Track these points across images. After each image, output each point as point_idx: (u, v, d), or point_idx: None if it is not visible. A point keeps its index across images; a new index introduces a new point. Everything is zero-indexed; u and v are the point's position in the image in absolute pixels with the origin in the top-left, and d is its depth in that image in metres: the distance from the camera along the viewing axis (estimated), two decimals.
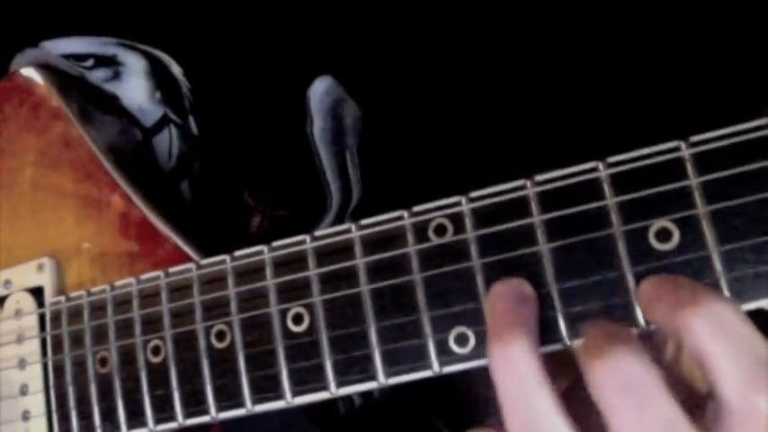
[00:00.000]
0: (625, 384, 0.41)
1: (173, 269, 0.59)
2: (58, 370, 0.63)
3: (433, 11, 0.73)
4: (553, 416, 0.43)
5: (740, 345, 0.41)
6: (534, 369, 0.44)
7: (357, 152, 0.76)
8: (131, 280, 0.60)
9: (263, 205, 0.74)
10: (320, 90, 0.75)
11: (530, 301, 0.46)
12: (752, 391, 0.40)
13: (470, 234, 0.49)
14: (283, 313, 0.54)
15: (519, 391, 0.44)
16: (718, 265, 0.43)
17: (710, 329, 0.41)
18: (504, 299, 0.46)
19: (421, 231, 0.50)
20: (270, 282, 0.54)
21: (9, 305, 0.67)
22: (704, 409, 0.42)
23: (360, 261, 0.52)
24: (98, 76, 0.75)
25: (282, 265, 0.54)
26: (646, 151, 0.45)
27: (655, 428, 0.41)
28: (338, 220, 0.76)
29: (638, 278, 0.45)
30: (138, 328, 0.59)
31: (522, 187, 0.48)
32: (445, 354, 0.49)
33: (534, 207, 0.47)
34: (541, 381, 0.44)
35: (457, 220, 0.49)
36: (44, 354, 0.64)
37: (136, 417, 0.59)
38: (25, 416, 0.64)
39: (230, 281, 0.56)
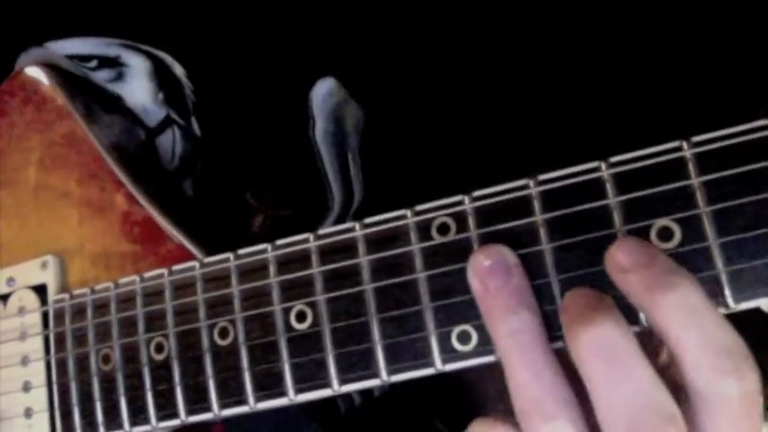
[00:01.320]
0: (605, 352, 0.42)
1: (176, 267, 0.59)
2: (61, 367, 0.63)
3: (435, 12, 0.73)
4: (562, 388, 0.44)
5: (710, 332, 0.42)
6: (542, 344, 0.45)
7: (359, 153, 0.76)
8: (135, 278, 0.60)
9: (265, 206, 0.74)
10: (322, 91, 0.75)
11: (518, 268, 0.47)
12: (721, 376, 0.41)
13: (473, 233, 0.49)
14: (286, 311, 0.54)
15: (526, 364, 0.44)
16: (719, 264, 0.44)
17: (681, 316, 0.42)
18: (496, 271, 0.47)
19: (424, 230, 0.50)
20: (273, 280, 0.55)
21: (12, 302, 0.67)
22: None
23: (363, 259, 0.52)
24: (102, 76, 0.75)
25: (286, 263, 0.54)
26: (648, 151, 0.45)
27: (635, 393, 0.42)
28: (340, 220, 0.76)
29: None
30: (141, 326, 0.59)
31: (525, 186, 0.48)
32: (447, 351, 0.49)
33: (537, 206, 0.48)
34: (549, 353, 0.45)
35: (460, 218, 0.50)
36: (47, 351, 0.64)
37: (138, 414, 0.59)
38: (28, 413, 0.64)
39: (233, 279, 0.56)
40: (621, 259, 0.44)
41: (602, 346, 0.42)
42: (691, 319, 0.42)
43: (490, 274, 0.46)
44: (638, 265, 0.43)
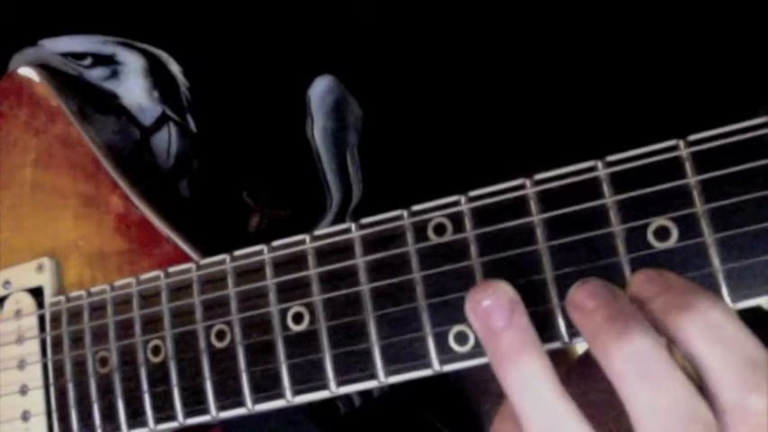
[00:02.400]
0: (641, 367, 0.42)
1: (172, 269, 0.59)
2: (58, 370, 0.63)
3: (434, 10, 0.73)
4: (576, 424, 0.43)
5: (733, 347, 0.41)
6: (552, 384, 0.44)
7: (358, 151, 0.76)
8: (131, 280, 0.60)
9: (261, 205, 0.74)
10: (321, 89, 0.75)
11: (519, 305, 0.46)
12: (746, 391, 0.41)
13: (470, 233, 0.49)
14: (283, 312, 0.54)
15: (539, 409, 0.43)
16: (716, 262, 0.43)
17: (703, 333, 0.41)
18: (497, 311, 0.45)
19: (420, 231, 0.50)
20: (270, 281, 0.54)
21: (9, 305, 0.67)
22: None
23: (359, 260, 0.52)
24: (96, 74, 0.75)
25: (282, 264, 0.54)
26: (644, 150, 0.45)
27: (673, 404, 0.41)
28: (338, 219, 0.76)
29: None
30: (138, 328, 0.59)
31: (522, 186, 0.48)
32: (445, 352, 0.49)
33: (533, 206, 0.47)
34: (561, 394, 0.43)
35: (456, 219, 0.49)
36: (44, 354, 0.64)
37: (136, 416, 0.59)
38: (25, 416, 0.64)
39: (230, 280, 0.56)
40: (638, 288, 0.44)
41: (637, 362, 0.42)
42: (713, 335, 0.41)
43: (494, 310, 0.45)
44: (656, 289, 0.43)
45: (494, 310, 0.45)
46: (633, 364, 0.42)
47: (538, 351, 0.44)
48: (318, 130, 0.75)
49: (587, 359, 0.48)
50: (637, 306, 0.44)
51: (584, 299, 0.44)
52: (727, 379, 0.41)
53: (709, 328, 0.41)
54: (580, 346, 0.47)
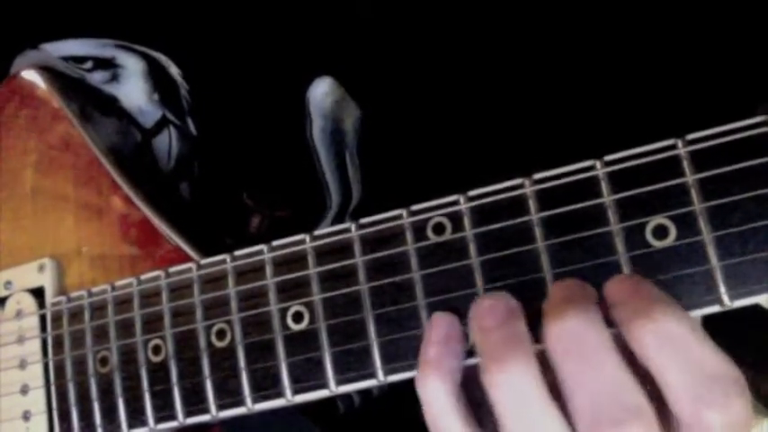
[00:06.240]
0: (572, 344, 0.43)
1: (173, 269, 0.59)
2: (59, 370, 0.63)
3: (432, 11, 0.73)
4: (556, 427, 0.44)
5: (691, 361, 0.42)
6: (538, 391, 0.44)
7: (357, 153, 0.76)
8: (132, 280, 0.60)
9: (261, 206, 0.74)
10: (320, 91, 0.75)
11: (518, 313, 0.46)
12: (701, 407, 0.41)
13: (469, 232, 0.49)
14: (283, 312, 0.54)
15: (523, 412, 0.44)
16: (714, 261, 0.44)
17: (661, 346, 0.42)
18: (492, 312, 0.46)
19: (420, 230, 0.51)
20: (270, 281, 0.55)
21: (10, 306, 0.67)
22: None
23: (359, 260, 0.52)
24: (97, 78, 0.75)
25: (282, 264, 0.55)
26: (642, 149, 0.46)
27: (599, 386, 0.42)
28: (338, 220, 0.76)
29: None
30: (138, 328, 0.59)
31: (520, 186, 0.48)
32: None
33: (532, 205, 0.48)
34: (546, 401, 0.44)
35: (455, 218, 0.50)
36: (45, 354, 0.64)
37: (136, 416, 0.59)
38: (26, 415, 0.64)
39: (230, 280, 0.56)
40: (610, 291, 0.45)
41: (568, 339, 0.43)
42: (670, 347, 0.42)
43: (491, 312, 0.46)
44: (624, 294, 0.44)
45: (489, 310, 0.46)
46: (565, 341, 0.43)
47: (526, 355, 0.44)
48: (317, 131, 0.75)
49: None
50: (606, 308, 0.44)
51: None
52: (683, 394, 0.41)
53: (668, 340, 0.42)
54: None
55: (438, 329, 0.48)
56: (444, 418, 0.47)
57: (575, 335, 0.43)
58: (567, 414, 0.43)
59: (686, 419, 0.42)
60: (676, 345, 0.42)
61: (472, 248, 0.49)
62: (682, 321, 0.42)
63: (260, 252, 0.55)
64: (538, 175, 0.48)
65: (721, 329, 0.46)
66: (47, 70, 0.74)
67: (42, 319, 0.65)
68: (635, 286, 0.44)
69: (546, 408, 0.44)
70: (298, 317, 0.53)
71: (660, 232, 0.45)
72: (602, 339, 0.43)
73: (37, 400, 0.64)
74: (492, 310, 0.46)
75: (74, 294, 0.63)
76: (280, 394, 0.54)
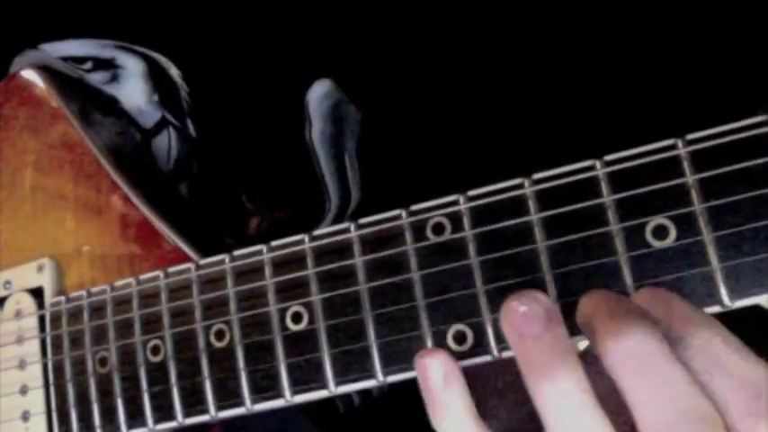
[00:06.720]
0: (640, 361, 0.41)
1: (172, 269, 0.59)
2: (58, 370, 0.63)
3: (431, 12, 0.73)
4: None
5: (730, 372, 0.41)
6: (590, 401, 0.43)
7: (356, 155, 0.76)
8: (131, 280, 0.60)
9: (261, 208, 0.74)
10: (319, 93, 0.75)
11: (557, 315, 0.45)
12: (749, 418, 0.41)
13: (468, 232, 0.49)
14: (282, 312, 0.54)
15: (575, 424, 0.43)
16: (714, 261, 0.43)
17: (706, 364, 0.42)
18: (533, 319, 0.44)
19: (419, 230, 0.50)
20: (269, 281, 0.55)
21: (9, 306, 0.67)
22: None
23: (358, 260, 0.52)
24: (96, 78, 0.75)
25: (281, 264, 0.54)
26: (642, 149, 0.45)
27: (674, 399, 0.41)
28: (337, 222, 0.76)
29: (636, 275, 0.45)
30: (137, 328, 0.59)
31: (520, 186, 0.48)
32: None
33: (532, 205, 0.48)
34: (598, 411, 0.43)
35: (455, 218, 0.50)
36: (44, 354, 0.64)
37: (135, 416, 0.59)
38: (25, 416, 0.64)
39: (229, 280, 0.56)
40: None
41: (636, 357, 0.42)
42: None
43: (529, 319, 0.44)
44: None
45: (529, 317, 0.44)
46: (633, 360, 0.42)
47: (575, 363, 0.43)
48: (317, 133, 0.75)
49: (586, 355, 0.48)
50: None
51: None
52: (731, 407, 0.41)
53: (705, 354, 0.41)
54: (581, 344, 0.47)
55: (434, 373, 0.47)
56: (588, 422, 0.44)
57: (642, 351, 0.41)
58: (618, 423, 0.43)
59: None
60: (715, 357, 0.41)
61: (472, 248, 0.49)
62: (716, 331, 0.42)
63: (259, 252, 0.55)
64: (538, 175, 0.48)
65: None
66: (46, 70, 0.74)
67: (41, 319, 0.65)
68: (668, 304, 0.43)
69: (598, 419, 0.43)
70: (297, 317, 0.53)
71: (660, 232, 0.45)
72: (668, 353, 0.42)
73: (36, 400, 0.64)
74: (531, 316, 0.44)
75: (73, 295, 0.63)
76: (279, 395, 0.54)
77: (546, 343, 0.44)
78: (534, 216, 0.47)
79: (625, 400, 0.42)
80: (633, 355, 0.42)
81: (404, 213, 0.51)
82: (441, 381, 0.47)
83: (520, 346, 0.44)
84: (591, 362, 0.44)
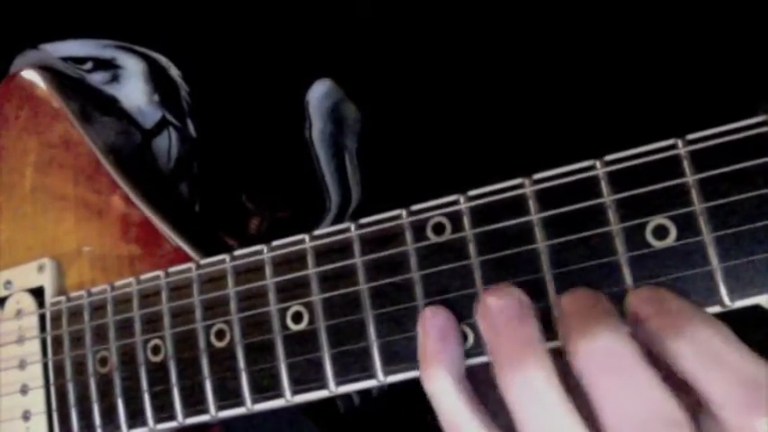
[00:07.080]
0: (606, 362, 0.42)
1: (172, 269, 0.59)
2: (59, 370, 0.63)
3: (431, 12, 0.73)
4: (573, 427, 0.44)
5: (729, 368, 0.41)
6: (557, 392, 0.43)
7: (356, 154, 0.76)
8: (131, 280, 0.60)
9: (261, 208, 0.74)
10: (319, 93, 0.75)
11: (529, 309, 0.46)
12: (748, 413, 0.41)
13: (468, 232, 0.49)
14: (283, 312, 0.54)
15: (541, 414, 0.43)
16: (714, 261, 0.43)
17: (699, 357, 0.41)
18: (504, 311, 0.45)
19: (419, 230, 0.50)
20: (269, 281, 0.55)
21: (10, 305, 0.67)
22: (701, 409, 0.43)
23: (358, 260, 0.52)
24: (97, 79, 0.75)
25: (282, 264, 0.54)
26: (643, 149, 0.45)
27: (639, 402, 0.42)
28: (337, 221, 0.76)
29: (636, 275, 0.45)
30: (138, 328, 0.59)
31: (520, 185, 0.48)
32: None
33: (532, 205, 0.48)
34: (565, 402, 0.43)
35: (455, 218, 0.50)
36: (44, 354, 0.64)
37: (136, 416, 0.59)
38: (25, 415, 0.64)
39: (230, 280, 0.56)
40: (633, 306, 0.44)
41: (604, 358, 0.42)
42: (707, 357, 0.41)
43: (502, 311, 0.45)
44: (650, 310, 0.43)
45: (501, 309, 0.45)
46: (598, 360, 0.42)
47: (545, 356, 0.44)
48: (317, 133, 0.75)
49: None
50: (634, 324, 0.44)
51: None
52: (728, 402, 0.41)
53: (706, 351, 0.41)
54: None
55: (433, 322, 0.48)
56: (456, 411, 0.46)
57: (609, 353, 0.42)
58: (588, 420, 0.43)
59: (734, 428, 0.41)
60: (714, 354, 0.41)
61: (472, 248, 0.49)
62: (715, 329, 0.42)
63: (259, 252, 0.55)
64: (538, 175, 0.48)
65: None
66: (46, 70, 0.74)
67: (42, 318, 0.65)
68: (660, 299, 0.43)
69: (566, 409, 0.43)
70: (297, 317, 0.53)
71: (660, 232, 0.45)
72: (638, 356, 0.42)
73: (36, 400, 0.64)
74: (503, 308, 0.45)
75: (73, 294, 0.63)
76: (279, 394, 0.54)
77: (518, 336, 0.44)
78: (534, 216, 0.47)
79: (591, 402, 0.42)
80: (601, 356, 0.42)
81: (404, 213, 0.51)
82: (438, 333, 0.48)
83: (493, 339, 0.45)
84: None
